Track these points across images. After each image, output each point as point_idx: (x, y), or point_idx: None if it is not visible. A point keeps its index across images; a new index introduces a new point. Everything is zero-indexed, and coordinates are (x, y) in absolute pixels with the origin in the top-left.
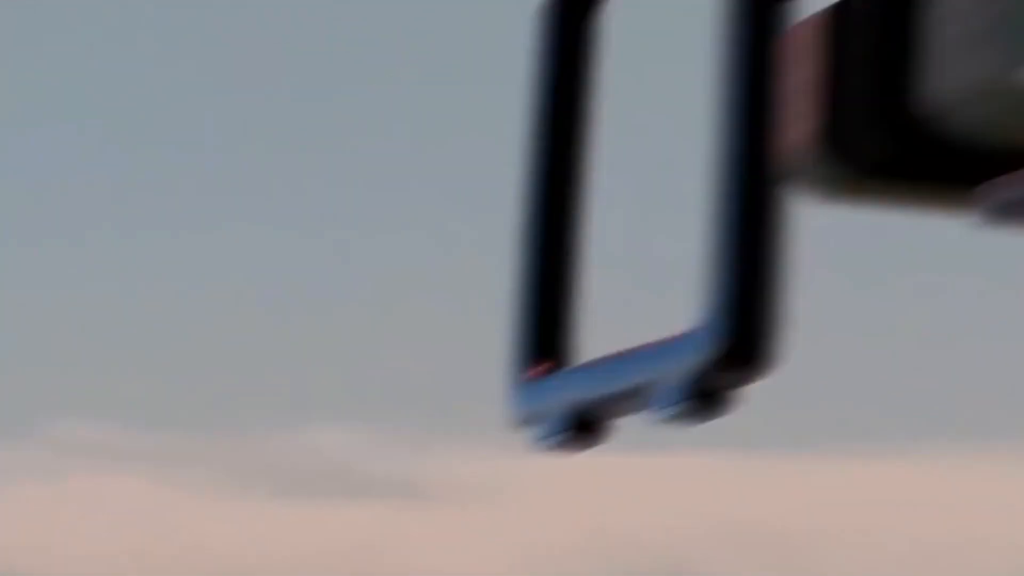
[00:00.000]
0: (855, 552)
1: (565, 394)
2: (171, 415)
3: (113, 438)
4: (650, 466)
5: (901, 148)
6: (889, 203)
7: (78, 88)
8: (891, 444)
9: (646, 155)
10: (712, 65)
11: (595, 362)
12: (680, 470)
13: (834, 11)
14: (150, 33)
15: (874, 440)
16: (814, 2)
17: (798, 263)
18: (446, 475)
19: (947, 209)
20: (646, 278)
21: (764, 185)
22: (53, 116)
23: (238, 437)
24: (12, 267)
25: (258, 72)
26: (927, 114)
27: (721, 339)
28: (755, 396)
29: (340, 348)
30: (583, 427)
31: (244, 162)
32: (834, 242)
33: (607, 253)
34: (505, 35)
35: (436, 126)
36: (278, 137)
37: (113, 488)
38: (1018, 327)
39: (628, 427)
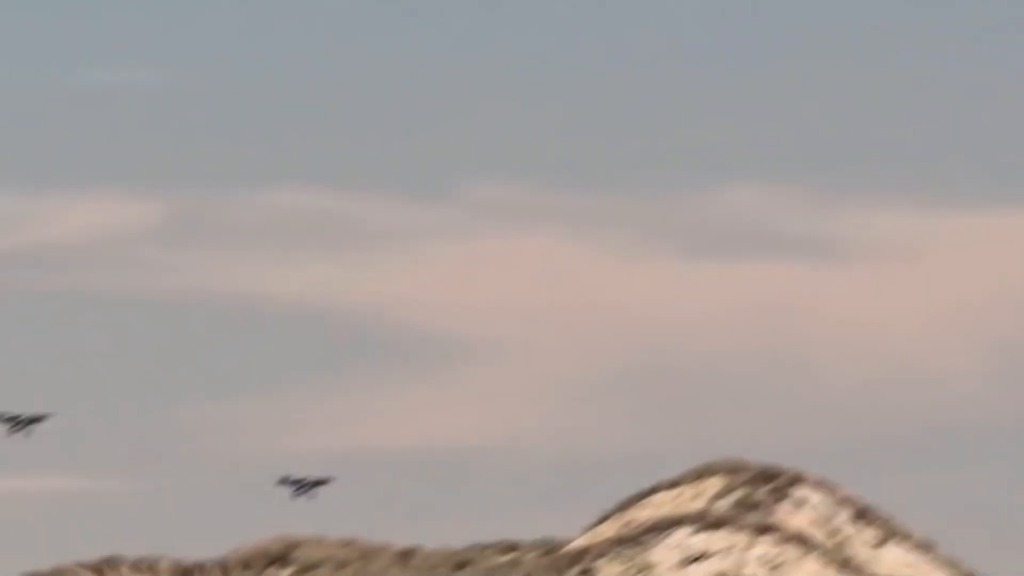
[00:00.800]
0: None
1: None
2: (585, 175)
3: (527, 198)
4: None
5: None
6: None
7: None
8: None
9: None
10: None
11: None
12: None
13: None
14: None
15: None
16: None
17: None
18: (862, 234)
19: None
20: None
21: None
22: None
23: (652, 197)
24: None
25: None
26: None
27: None
28: None
29: (756, 106)
30: None
31: None
32: None
33: None
34: None
35: None
36: None
37: (527, 247)
38: None
39: None
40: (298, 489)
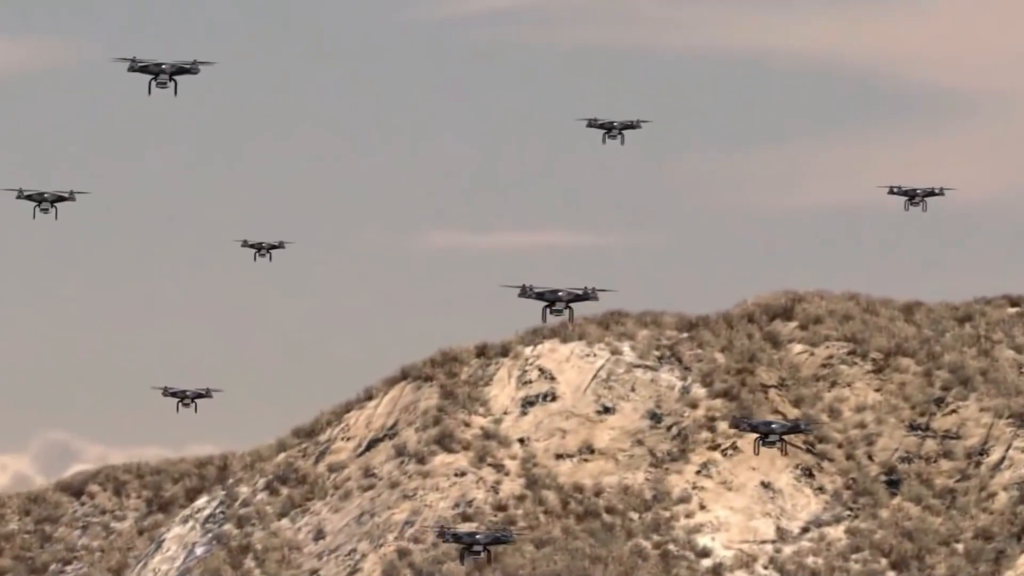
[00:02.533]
0: None
1: None
2: None
3: None
4: None
5: None
6: None
7: None
8: None
9: None
10: None
11: None
12: None
13: None
14: None
15: None
16: None
17: None
18: None
19: None
20: None
21: None
22: None
23: None
24: None
25: None
26: None
27: None
28: None
29: None
30: None
31: None
32: None
33: None
34: None
35: None
36: None
37: None
38: None
39: None
40: (911, 199)
